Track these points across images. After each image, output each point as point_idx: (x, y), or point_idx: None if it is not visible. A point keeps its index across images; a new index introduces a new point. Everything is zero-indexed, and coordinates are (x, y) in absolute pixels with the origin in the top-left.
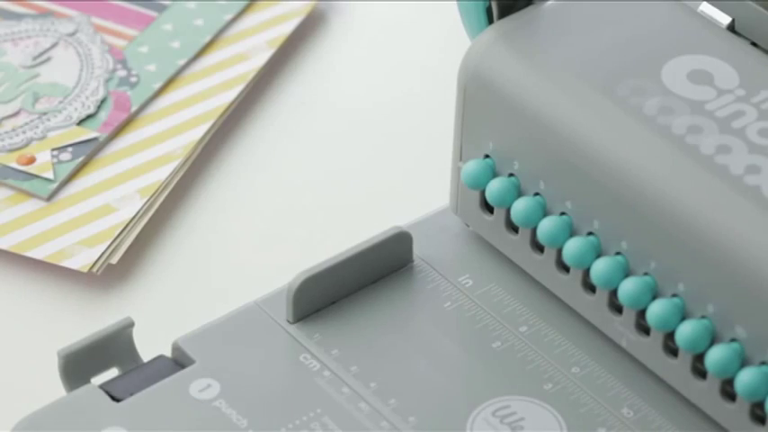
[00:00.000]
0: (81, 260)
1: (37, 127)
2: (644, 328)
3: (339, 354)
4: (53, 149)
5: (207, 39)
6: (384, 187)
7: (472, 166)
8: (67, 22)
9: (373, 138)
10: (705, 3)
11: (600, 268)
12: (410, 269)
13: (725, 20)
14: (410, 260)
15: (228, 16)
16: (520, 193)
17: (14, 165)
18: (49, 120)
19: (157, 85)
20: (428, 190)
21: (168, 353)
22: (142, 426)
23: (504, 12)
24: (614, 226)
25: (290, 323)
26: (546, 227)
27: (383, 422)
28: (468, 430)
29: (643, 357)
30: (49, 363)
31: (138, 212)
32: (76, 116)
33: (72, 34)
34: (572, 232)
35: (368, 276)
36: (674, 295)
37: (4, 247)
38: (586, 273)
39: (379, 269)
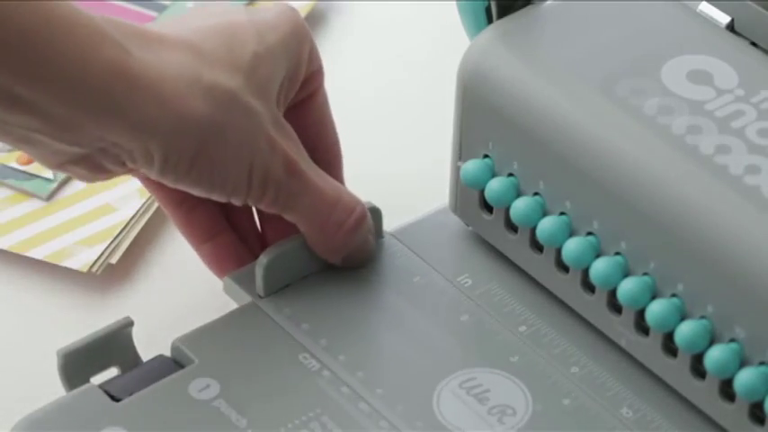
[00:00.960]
0: (81, 260)
1: None
2: (643, 328)
3: (309, 327)
4: None
5: None
6: (384, 187)
7: (471, 166)
8: None
9: (373, 137)
10: (705, 2)
11: (599, 268)
12: (380, 245)
13: (724, 19)
14: (380, 236)
15: None
16: (519, 193)
17: (14, 165)
18: None
19: None
20: (428, 190)
21: (168, 353)
22: (142, 425)
23: (504, 11)
24: (613, 226)
25: (261, 297)
26: (545, 226)
27: (382, 421)
28: (435, 401)
29: (642, 357)
30: (49, 363)
31: (137, 212)
32: None
33: None
34: (571, 232)
35: None
36: (674, 295)
37: (4, 247)
38: (586, 273)
39: None
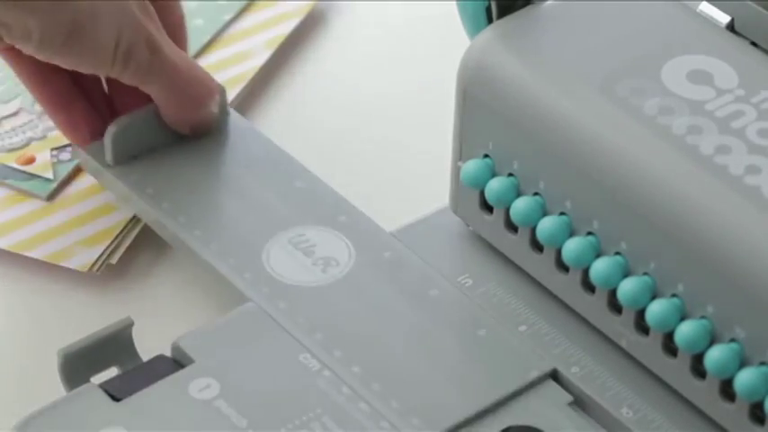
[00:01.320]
0: (81, 260)
1: (37, 127)
2: (643, 328)
3: (153, 192)
4: (53, 149)
5: (207, 39)
6: (384, 187)
7: (472, 166)
8: None
9: (373, 137)
10: (705, 2)
11: (599, 268)
12: (225, 121)
13: (724, 19)
14: (226, 112)
15: (228, 16)
16: (519, 193)
17: (14, 165)
18: (48, 119)
19: None
20: (428, 190)
21: (168, 353)
22: (142, 425)
23: (504, 11)
24: (614, 226)
25: (111, 166)
26: (545, 226)
27: (383, 422)
28: (265, 255)
29: (643, 357)
30: (49, 363)
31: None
32: None
33: None
34: (571, 232)
35: None
36: (674, 295)
37: (4, 247)
38: (586, 272)
39: None
